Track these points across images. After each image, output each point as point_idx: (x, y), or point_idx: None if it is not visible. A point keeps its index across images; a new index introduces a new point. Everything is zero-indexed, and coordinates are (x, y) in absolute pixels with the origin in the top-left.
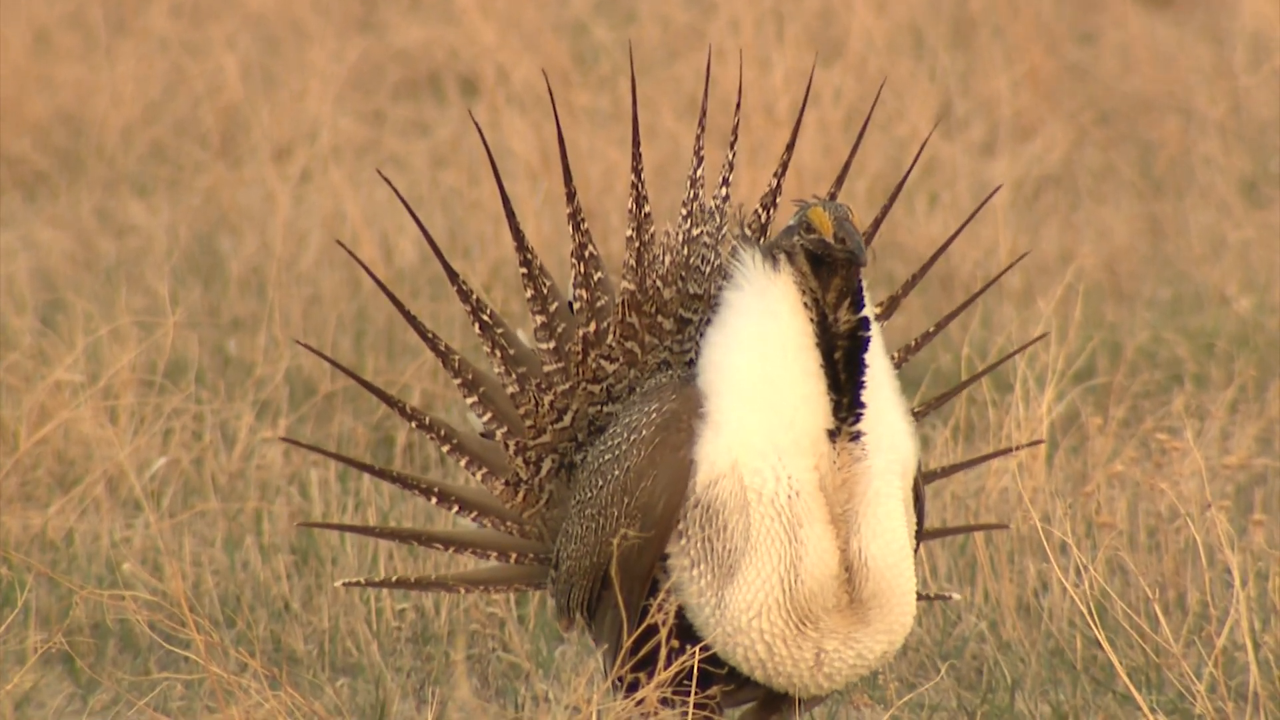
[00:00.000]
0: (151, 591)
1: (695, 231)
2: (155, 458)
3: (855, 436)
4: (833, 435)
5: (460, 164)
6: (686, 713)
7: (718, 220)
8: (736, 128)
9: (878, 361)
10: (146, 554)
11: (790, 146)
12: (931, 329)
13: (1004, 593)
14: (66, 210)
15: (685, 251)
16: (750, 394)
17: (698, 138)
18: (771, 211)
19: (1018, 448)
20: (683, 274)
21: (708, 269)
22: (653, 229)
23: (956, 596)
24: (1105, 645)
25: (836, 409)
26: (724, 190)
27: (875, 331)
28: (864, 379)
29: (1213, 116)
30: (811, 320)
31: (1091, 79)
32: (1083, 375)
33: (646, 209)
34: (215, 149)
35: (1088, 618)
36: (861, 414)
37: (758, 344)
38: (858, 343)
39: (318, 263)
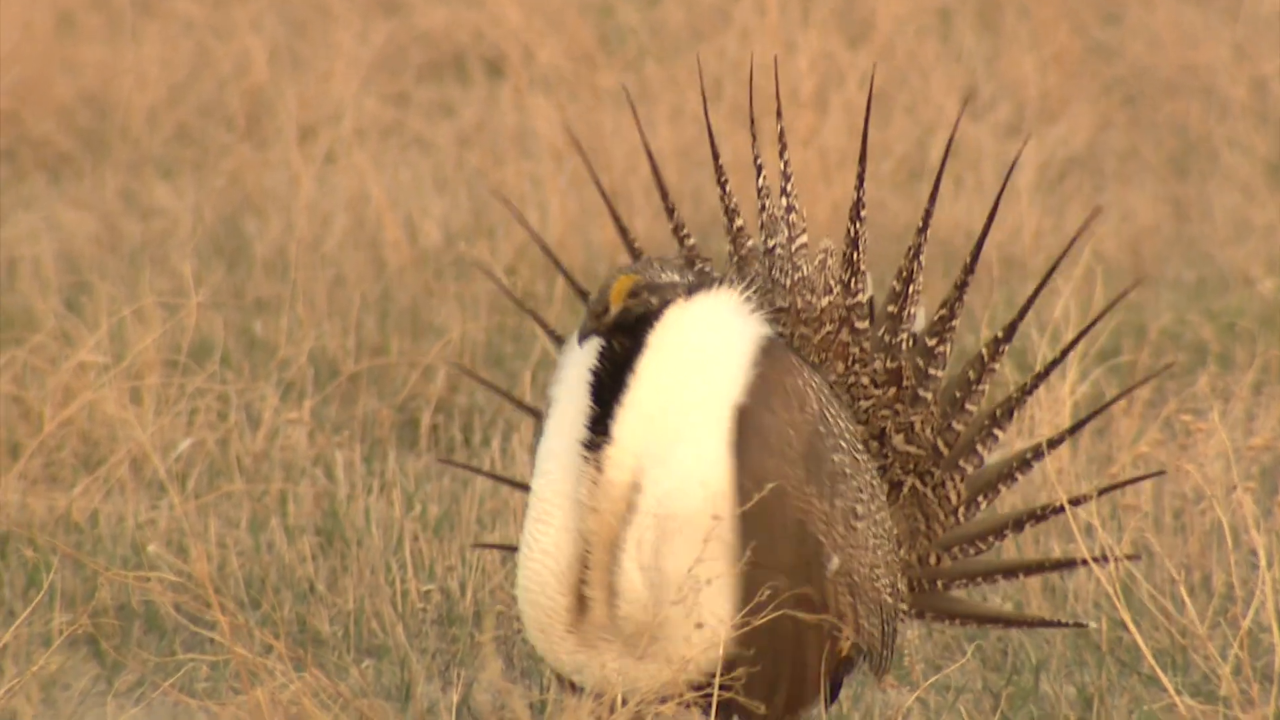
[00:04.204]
0: (176, 573)
1: (770, 243)
2: (180, 439)
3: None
4: (588, 448)
5: (485, 145)
6: (710, 695)
7: (787, 232)
8: (782, 135)
9: (678, 389)
10: (171, 535)
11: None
12: (1001, 334)
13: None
14: (91, 192)
15: (767, 264)
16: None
17: (754, 141)
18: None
19: (1049, 442)
20: (768, 287)
21: (788, 281)
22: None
23: (1092, 625)
24: (1131, 627)
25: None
26: (785, 200)
27: (698, 359)
28: (619, 401)
29: (1237, 98)
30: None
31: (1117, 60)
32: (1106, 356)
33: (797, 216)
34: (240, 131)
35: (1113, 599)
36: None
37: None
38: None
39: (342, 244)
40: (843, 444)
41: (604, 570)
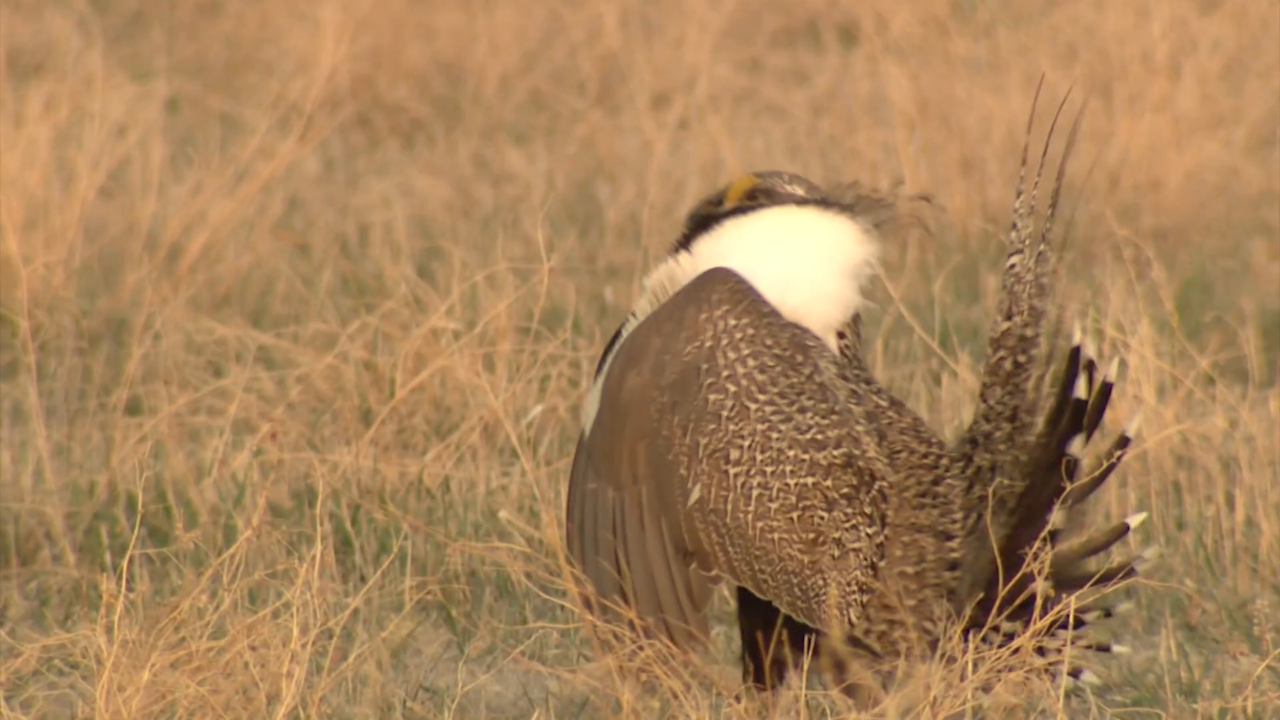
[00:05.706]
0: (528, 540)
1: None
2: (531, 405)
3: None
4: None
5: (838, 112)
6: (1057, 661)
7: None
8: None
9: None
10: (523, 502)
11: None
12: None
13: None
14: (444, 158)
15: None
16: None
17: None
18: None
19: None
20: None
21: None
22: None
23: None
24: None
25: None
26: (1020, 223)
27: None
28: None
29: None
30: None
31: None
32: None
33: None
34: (593, 97)
35: None
36: None
37: None
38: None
39: None
40: (732, 388)
41: None
